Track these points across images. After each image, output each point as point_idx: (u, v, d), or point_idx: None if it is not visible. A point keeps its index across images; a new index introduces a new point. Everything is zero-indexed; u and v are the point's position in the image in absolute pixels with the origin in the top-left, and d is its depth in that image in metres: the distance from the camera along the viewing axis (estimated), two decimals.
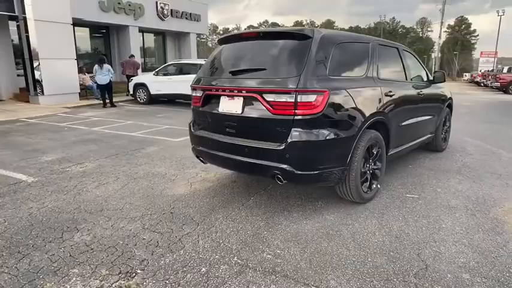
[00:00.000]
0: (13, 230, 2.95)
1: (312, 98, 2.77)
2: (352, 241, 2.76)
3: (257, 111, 3.02)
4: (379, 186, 3.67)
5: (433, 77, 5.04)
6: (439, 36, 47.29)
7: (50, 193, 3.80)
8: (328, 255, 2.55)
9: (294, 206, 3.44)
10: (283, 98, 2.82)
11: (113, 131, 7.50)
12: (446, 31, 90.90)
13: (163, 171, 4.60)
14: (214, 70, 3.58)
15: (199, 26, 21.09)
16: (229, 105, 3.21)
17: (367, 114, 3.23)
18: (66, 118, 9.26)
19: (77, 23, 12.50)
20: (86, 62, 15.18)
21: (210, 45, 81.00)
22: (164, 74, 12.21)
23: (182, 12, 19.23)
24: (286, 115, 2.84)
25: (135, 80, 12.82)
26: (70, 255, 2.56)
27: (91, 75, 13.63)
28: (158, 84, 12.12)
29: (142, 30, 18.03)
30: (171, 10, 18.49)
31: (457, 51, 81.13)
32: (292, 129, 2.84)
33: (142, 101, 12.58)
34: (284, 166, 2.88)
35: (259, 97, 2.94)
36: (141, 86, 12.51)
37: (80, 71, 13.04)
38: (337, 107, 2.96)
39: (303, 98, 2.77)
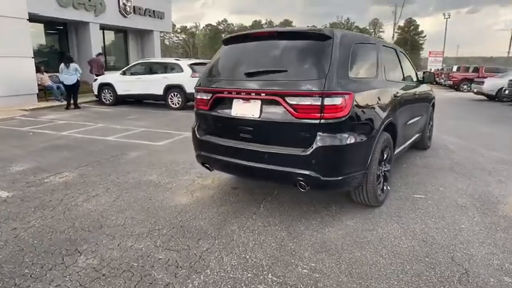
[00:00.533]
0: (0, 257, 2.52)
1: (338, 100, 2.65)
2: (382, 248, 2.67)
3: (277, 115, 2.84)
4: (388, 187, 3.64)
5: (423, 77, 5.15)
6: (392, 37, 49.82)
7: (34, 210, 3.34)
8: (366, 265, 2.44)
9: (309, 213, 3.30)
10: (308, 101, 2.67)
11: (85, 135, 6.91)
12: (397, 32, 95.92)
13: (155, 179, 4.26)
14: (224, 71, 3.34)
15: (163, 24, 20.31)
16: (244, 109, 2.99)
17: (383, 116, 3.18)
18: (27, 122, 8.42)
19: (31, 18, 11.41)
20: (40, 61, 13.99)
21: (168, 43, 78.99)
22: (132, 74, 11.56)
23: (145, 9, 18.38)
24: (311, 119, 2.69)
25: (100, 79, 12.01)
26: (80, 285, 2.21)
27: (50, 74, 12.60)
28: (126, 84, 11.45)
29: (103, 28, 16.95)
30: (134, 7, 17.58)
31: (408, 51, 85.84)
32: (318, 133, 2.69)
33: (108, 102, 11.83)
34: (309, 172, 2.73)
35: (281, 100, 2.76)
36: (107, 86, 11.75)
37: (38, 70, 11.96)
38: (361, 109, 2.86)
39: (329, 101, 2.63)
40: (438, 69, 29.80)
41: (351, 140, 2.75)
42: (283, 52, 2.99)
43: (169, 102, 11.04)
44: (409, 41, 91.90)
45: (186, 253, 2.60)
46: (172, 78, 10.90)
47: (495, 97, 14.39)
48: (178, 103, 10.96)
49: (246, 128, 3.00)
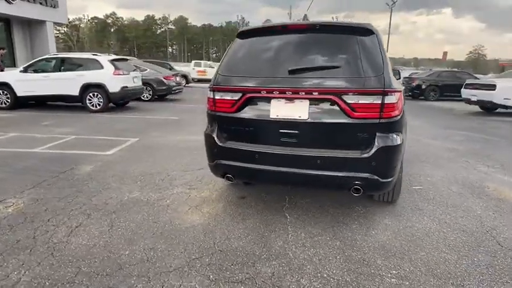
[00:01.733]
0: None
1: (394, 98, 2.56)
2: (438, 243, 2.70)
3: (330, 115, 2.61)
4: None
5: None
6: None
7: (8, 257, 2.41)
8: (441, 264, 2.42)
9: (340, 216, 3.16)
10: (369, 100, 2.51)
11: (0, 148, 5.43)
12: None
13: (141, 197, 3.56)
14: (253, 68, 2.91)
15: (57, 14, 17.51)
16: (288, 110, 2.66)
17: (404, 113, 3.23)
18: None
19: None
20: None
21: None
22: (37, 71, 9.63)
23: None
24: (370, 118, 2.54)
25: None
26: None
27: None
28: (29, 83, 9.51)
29: None
30: None
31: None
32: (377, 133, 2.56)
33: (4, 105, 9.65)
34: (368, 175, 2.58)
35: (337, 99, 2.53)
36: (2, 86, 9.56)
37: None
38: (402, 107, 2.83)
39: (388, 99, 2.52)
40: None
41: (402, 139, 2.70)
42: (327, 47, 2.75)
43: (88, 104, 9.59)
44: None
45: (254, 283, 2.19)
46: (90, 76, 9.47)
47: None
48: (98, 104, 9.60)
49: (290, 131, 2.68)
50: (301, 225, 2.98)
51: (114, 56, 10.43)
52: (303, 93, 2.60)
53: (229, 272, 2.30)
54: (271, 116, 2.72)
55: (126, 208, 3.28)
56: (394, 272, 2.32)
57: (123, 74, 9.64)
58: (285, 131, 2.70)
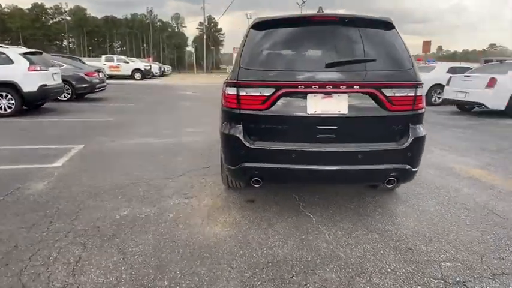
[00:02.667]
0: None
1: (421, 91, 2.64)
2: (458, 223, 2.90)
3: (369, 109, 2.57)
4: None
5: None
6: (204, 32, 52.33)
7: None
8: (474, 241, 2.60)
9: (359, 208, 3.18)
10: (405, 92, 2.53)
11: None
12: (198, 28, 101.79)
13: (135, 213, 3.05)
14: (282, 61, 2.69)
15: None
16: (326, 105, 2.54)
17: None
18: None
19: None
20: None
21: None
22: None
23: None
24: (405, 110, 2.58)
25: None
26: None
27: None
28: None
29: None
30: None
31: (213, 47, 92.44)
32: (410, 125, 2.62)
33: None
34: (403, 166, 2.63)
35: (377, 92, 2.50)
36: None
37: None
38: None
39: (419, 92, 2.59)
40: None
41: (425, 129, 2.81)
42: (357, 40, 2.66)
43: None
44: (211, 37, 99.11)
45: None
46: None
47: None
48: (8, 107, 8.04)
49: (328, 127, 2.56)
50: (330, 223, 2.90)
51: (25, 49, 8.77)
52: (344, 87, 2.50)
53: (296, 285, 2.09)
54: (308, 112, 2.55)
55: (126, 229, 2.76)
56: (443, 256, 2.41)
57: (41, 70, 8.19)
58: (323, 127, 2.57)
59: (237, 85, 2.60)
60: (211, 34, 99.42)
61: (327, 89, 2.50)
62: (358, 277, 2.18)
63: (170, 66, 46.63)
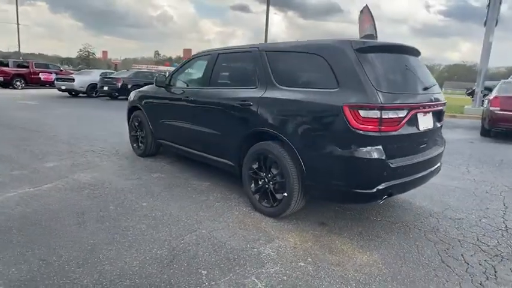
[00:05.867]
0: None
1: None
2: (480, 206, 3.39)
3: (438, 122, 3.39)
4: None
5: None
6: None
7: None
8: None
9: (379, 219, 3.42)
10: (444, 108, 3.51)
11: None
12: None
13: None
14: (398, 85, 2.96)
15: None
16: (426, 122, 3.12)
17: None
18: None
19: None
20: None
21: None
22: None
23: None
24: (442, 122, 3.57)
25: None
26: None
27: None
28: None
29: None
30: None
31: None
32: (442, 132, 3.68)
33: None
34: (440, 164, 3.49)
35: (443, 109, 3.43)
36: None
37: None
38: None
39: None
40: None
41: None
42: (420, 67, 3.29)
43: None
44: None
45: None
46: None
47: (85, 92, 16.34)
48: None
49: (424, 139, 3.16)
50: (371, 233, 3.00)
51: None
52: (435, 106, 3.20)
53: None
54: (420, 128, 3.01)
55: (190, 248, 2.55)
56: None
57: None
58: (423, 139, 3.14)
59: (382, 108, 2.62)
60: None
61: (427, 109, 3.07)
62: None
63: None
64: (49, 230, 2.81)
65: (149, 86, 5.44)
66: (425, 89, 3.10)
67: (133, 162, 4.94)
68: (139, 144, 5.31)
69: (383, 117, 2.63)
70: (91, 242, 2.64)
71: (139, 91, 5.45)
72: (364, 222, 3.22)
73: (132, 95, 5.55)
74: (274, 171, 3.17)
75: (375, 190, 2.69)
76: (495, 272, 2.45)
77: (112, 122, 8.73)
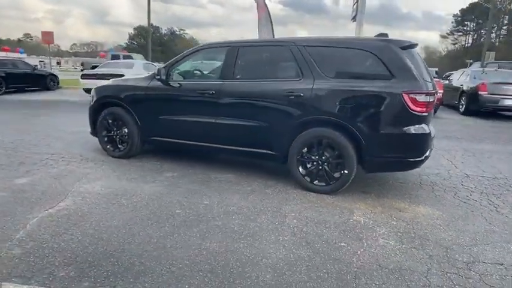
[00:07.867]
0: None
1: None
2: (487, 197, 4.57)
3: None
4: None
5: None
6: None
7: None
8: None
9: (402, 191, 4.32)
10: None
11: None
12: None
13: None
14: (424, 74, 3.57)
15: None
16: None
17: None
18: None
19: None
20: None
21: None
22: None
23: None
24: None
25: None
26: None
27: None
28: None
29: None
30: None
31: None
32: None
33: None
34: None
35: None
36: None
37: None
38: None
39: None
40: None
41: None
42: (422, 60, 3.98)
43: None
44: None
45: None
46: None
47: None
48: None
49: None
50: (410, 193, 3.83)
51: None
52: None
53: None
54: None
55: None
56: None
57: None
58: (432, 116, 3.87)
59: (428, 94, 3.36)
60: None
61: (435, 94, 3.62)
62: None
63: None
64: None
65: (131, 78, 4.87)
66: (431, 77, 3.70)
67: (121, 167, 4.36)
68: (118, 146, 4.74)
69: (429, 100, 3.41)
70: (235, 247, 2.57)
71: (113, 85, 4.81)
72: (397, 187, 3.99)
73: (100, 90, 4.84)
74: (327, 153, 3.59)
75: (423, 157, 3.50)
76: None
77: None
